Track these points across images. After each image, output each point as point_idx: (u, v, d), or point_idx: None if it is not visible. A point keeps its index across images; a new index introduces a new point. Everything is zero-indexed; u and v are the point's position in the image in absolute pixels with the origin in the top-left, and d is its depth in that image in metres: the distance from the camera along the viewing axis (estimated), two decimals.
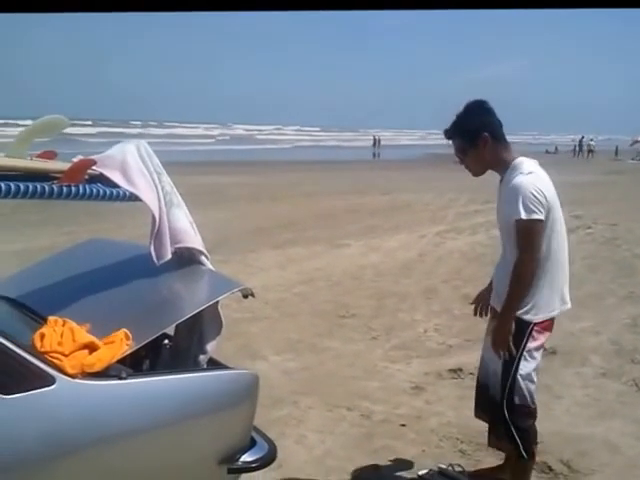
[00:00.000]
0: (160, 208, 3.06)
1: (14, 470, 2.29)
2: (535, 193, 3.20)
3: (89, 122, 69.60)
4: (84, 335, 2.65)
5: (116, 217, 10.87)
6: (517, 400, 3.45)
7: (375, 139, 56.73)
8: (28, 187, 2.62)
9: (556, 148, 59.14)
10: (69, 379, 2.42)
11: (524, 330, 3.38)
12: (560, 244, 3.41)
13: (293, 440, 4.39)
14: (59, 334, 2.59)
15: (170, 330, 3.15)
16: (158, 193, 3.08)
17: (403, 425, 4.68)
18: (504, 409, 3.46)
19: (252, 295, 3.17)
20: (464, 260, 10.29)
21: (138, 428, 2.58)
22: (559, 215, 3.37)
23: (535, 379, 3.49)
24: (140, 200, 3.02)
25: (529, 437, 3.52)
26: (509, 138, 3.45)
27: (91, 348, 2.60)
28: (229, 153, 41.17)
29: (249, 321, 6.80)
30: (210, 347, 3.16)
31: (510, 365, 3.42)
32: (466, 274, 9.13)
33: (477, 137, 3.34)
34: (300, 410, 4.89)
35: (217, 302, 3.10)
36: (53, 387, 2.37)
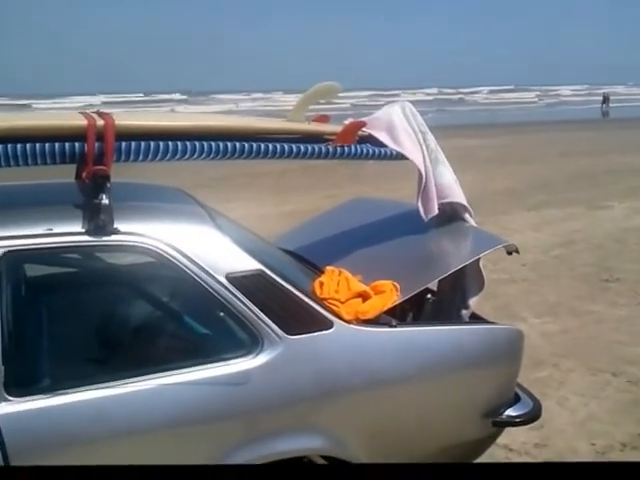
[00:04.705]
0: (426, 165, 3.15)
1: (288, 406, 2.51)
2: None
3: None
4: (358, 284, 2.82)
5: (373, 181, 11.25)
6: None
7: (605, 96, 50.98)
8: (307, 148, 2.85)
9: None
10: (345, 324, 2.60)
11: None
12: None
13: (555, 402, 4.33)
14: (336, 283, 2.79)
15: (432, 285, 3.24)
16: (423, 151, 3.17)
17: None
18: None
19: (517, 252, 3.15)
20: None
21: (406, 375, 2.70)
22: None
23: None
24: (406, 159, 3.13)
25: None
26: None
27: (364, 297, 2.76)
28: (481, 116, 40.13)
29: (506, 283, 6.75)
30: (472, 303, 3.20)
31: None
32: None
33: None
34: (561, 372, 4.80)
35: (479, 258, 3.13)
36: (331, 331, 2.56)
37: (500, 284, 6.56)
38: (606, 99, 49.01)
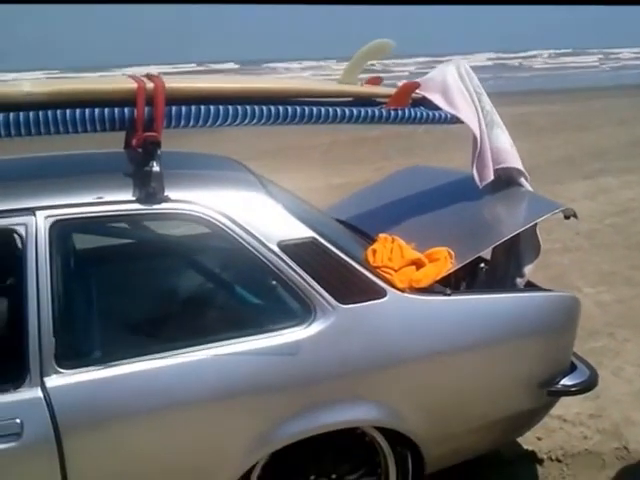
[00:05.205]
0: (481, 129, 3.04)
1: (341, 376, 2.48)
2: None
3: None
4: (412, 252, 2.76)
5: (425, 153, 11.08)
6: None
7: None
8: (360, 112, 2.77)
9: None
10: (399, 293, 2.55)
11: None
12: None
13: (610, 371, 4.24)
14: (389, 250, 2.73)
15: (485, 254, 3.17)
16: (478, 114, 3.05)
17: None
18: None
19: (575, 216, 3.04)
20: None
21: (461, 345, 2.64)
22: None
23: None
24: (461, 122, 3.03)
25: None
26: None
27: (418, 264, 2.70)
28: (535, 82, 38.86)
29: (559, 252, 6.61)
30: (527, 270, 3.10)
31: None
32: None
33: None
34: (617, 342, 4.70)
35: (535, 224, 3.04)
36: (384, 300, 2.51)
37: (554, 254, 6.41)
38: None
